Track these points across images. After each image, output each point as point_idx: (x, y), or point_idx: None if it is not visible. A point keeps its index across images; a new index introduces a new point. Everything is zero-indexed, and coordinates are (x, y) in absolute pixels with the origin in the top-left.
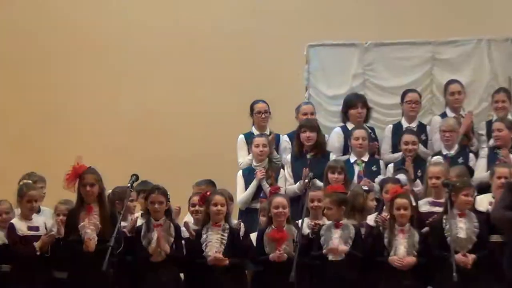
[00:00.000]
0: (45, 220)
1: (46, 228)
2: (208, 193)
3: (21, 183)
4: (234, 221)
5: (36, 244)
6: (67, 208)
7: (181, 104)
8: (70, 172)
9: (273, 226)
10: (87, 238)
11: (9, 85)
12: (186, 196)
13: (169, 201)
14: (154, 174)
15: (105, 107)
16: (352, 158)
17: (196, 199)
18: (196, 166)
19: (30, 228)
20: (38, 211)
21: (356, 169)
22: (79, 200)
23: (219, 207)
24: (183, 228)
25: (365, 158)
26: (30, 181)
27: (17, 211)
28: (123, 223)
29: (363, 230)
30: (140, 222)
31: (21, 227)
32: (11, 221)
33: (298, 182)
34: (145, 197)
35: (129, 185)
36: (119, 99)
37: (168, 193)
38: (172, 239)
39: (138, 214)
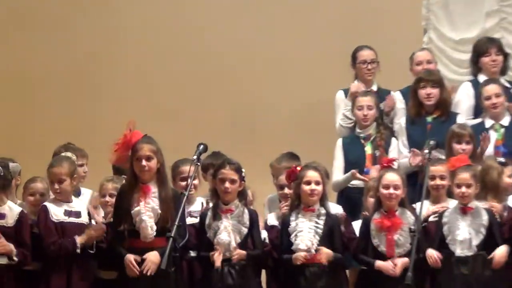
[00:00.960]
0: (87, 204)
1: (89, 216)
2: (298, 168)
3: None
4: (334, 205)
5: (79, 239)
6: (115, 187)
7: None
8: (120, 142)
9: (382, 211)
10: (143, 227)
11: (49, 47)
12: (262, 175)
13: (244, 180)
14: (217, 144)
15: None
16: (488, 122)
17: (283, 178)
18: (278, 135)
19: (68, 213)
20: (78, 193)
21: (493, 136)
22: (132, 178)
23: (312, 185)
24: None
25: (505, 121)
26: (68, 154)
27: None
28: (188, 208)
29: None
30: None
31: (56, 211)
32: (45, 203)
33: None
34: (214, 174)
35: (195, 157)
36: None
37: (243, 169)
38: (246, 230)
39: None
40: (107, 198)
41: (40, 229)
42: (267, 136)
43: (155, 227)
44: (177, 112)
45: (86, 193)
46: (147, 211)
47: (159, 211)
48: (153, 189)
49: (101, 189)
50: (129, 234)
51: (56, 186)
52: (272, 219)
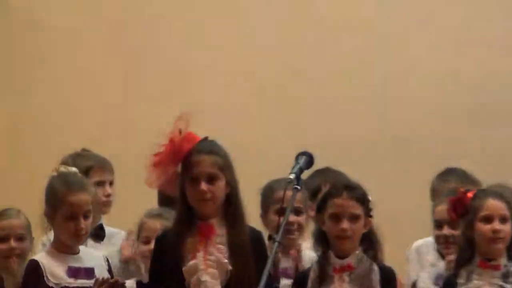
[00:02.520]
0: (110, 254)
1: (110, 272)
2: (469, 195)
3: (54, 173)
4: None
5: None
6: (159, 226)
7: None
8: (164, 151)
9: None
10: None
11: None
12: None
13: (372, 216)
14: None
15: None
16: None
17: (443, 210)
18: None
19: (73, 273)
20: (99, 236)
21: None
22: (183, 212)
23: (496, 224)
24: None
25: None
26: (75, 169)
27: (46, 236)
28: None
29: None
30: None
31: (54, 269)
32: (35, 256)
33: None
34: (319, 205)
35: (292, 176)
36: None
37: (370, 197)
38: None
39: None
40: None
41: None
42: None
43: None
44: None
45: (114, 234)
46: (208, 267)
47: (229, 267)
48: (219, 229)
49: (141, 229)
50: None
51: (85, 221)
52: (425, 281)
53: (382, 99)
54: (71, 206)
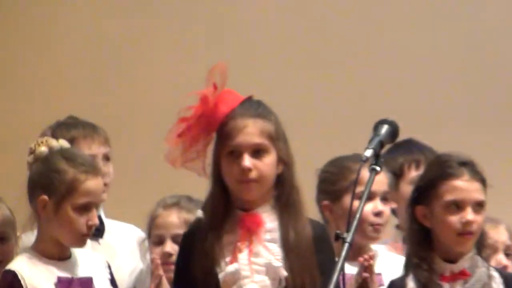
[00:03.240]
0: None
1: (113, 283)
2: None
3: (40, 148)
4: None
5: None
6: (186, 221)
7: None
8: (194, 114)
9: None
10: None
11: None
12: None
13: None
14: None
15: None
16: None
17: None
18: None
19: (64, 286)
20: (100, 231)
21: None
22: (218, 199)
23: None
24: None
25: None
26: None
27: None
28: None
29: None
30: None
31: (39, 283)
32: (11, 264)
33: None
34: (421, 191)
35: (368, 153)
36: None
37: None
38: None
39: None
40: (169, 247)
41: None
42: None
43: None
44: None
45: (117, 232)
46: (255, 272)
47: (284, 273)
48: (269, 222)
49: (152, 225)
50: None
51: (83, 222)
52: None
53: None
54: (88, 195)
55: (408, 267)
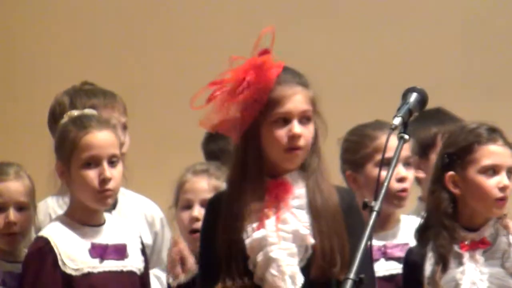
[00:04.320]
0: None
1: (143, 253)
2: None
3: (65, 119)
4: None
5: None
6: (216, 187)
7: None
8: (234, 75)
9: None
10: (274, 277)
11: None
12: None
13: None
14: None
15: None
16: None
17: None
18: None
19: (98, 252)
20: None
21: None
22: (249, 164)
23: None
24: None
25: None
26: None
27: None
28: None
29: None
30: None
31: (73, 249)
32: (43, 231)
33: None
34: (451, 157)
35: (397, 121)
36: None
37: None
38: None
39: None
40: (197, 212)
41: None
42: None
43: (301, 278)
44: None
45: (131, 204)
46: (282, 239)
47: (311, 240)
48: (297, 189)
49: (181, 190)
50: None
51: (93, 176)
52: None
53: None
54: (89, 149)
55: (428, 235)
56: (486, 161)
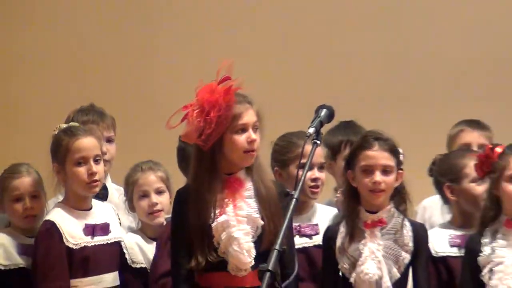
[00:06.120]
0: (116, 210)
1: (120, 223)
2: (497, 150)
3: (55, 131)
4: None
5: None
6: (160, 178)
7: None
8: (215, 100)
9: None
10: (236, 252)
11: None
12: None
13: (402, 169)
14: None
15: None
16: None
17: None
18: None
19: (89, 230)
20: (104, 195)
21: None
22: (207, 164)
23: None
24: None
25: None
26: (76, 123)
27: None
28: (299, 221)
29: None
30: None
31: (72, 229)
32: (49, 216)
33: None
34: (348, 160)
35: (311, 130)
36: None
37: (400, 149)
38: (408, 258)
39: None
40: (154, 198)
41: (47, 268)
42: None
43: (254, 251)
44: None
45: (117, 194)
46: (240, 222)
47: (261, 222)
48: (247, 183)
49: (134, 184)
50: (208, 267)
51: (83, 171)
52: (441, 245)
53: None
54: (79, 151)
55: (341, 217)
56: (363, 163)
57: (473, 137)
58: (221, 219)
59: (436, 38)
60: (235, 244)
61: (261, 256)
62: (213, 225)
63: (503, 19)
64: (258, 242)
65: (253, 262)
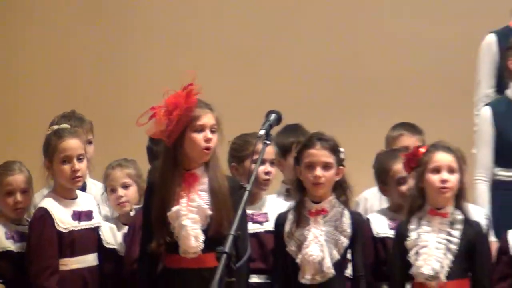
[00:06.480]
0: (97, 200)
1: (99, 211)
2: (421, 150)
3: (49, 131)
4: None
5: None
6: (128, 174)
7: None
8: (177, 102)
9: None
10: (184, 237)
11: None
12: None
13: (343, 165)
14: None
15: None
16: None
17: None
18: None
19: (77, 216)
20: (83, 187)
21: None
22: (170, 161)
23: (444, 174)
24: None
25: None
26: (66, 125)
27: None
28: (251, 210)
29: None
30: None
31: (62, 215)
32: (42, 204)
33: None
34: (297, 157)
35: (262, 132)
36: None
37: (341, 149)
38: (346, 242)
39: None
40: (120, 192)
41: (40, 248)
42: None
43: (202, 237)
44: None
45: (95, 187)
46: (190, 212)
47: (209, 212)
48: (203, 178)
49: (106, 180)
50: (168, 249)
51: (68, 169)
52: (382, 227)
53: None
54: (64, 151)
55: (290, 206)
56: (306, 159)
57: (411, 141)
58: (174, 209)
59: (382, 49)
60: (184, 231)
61: (210, 241)
62: (168, 214)
63: (446, 35)
64: (207, 229)
65: (201, 246)
